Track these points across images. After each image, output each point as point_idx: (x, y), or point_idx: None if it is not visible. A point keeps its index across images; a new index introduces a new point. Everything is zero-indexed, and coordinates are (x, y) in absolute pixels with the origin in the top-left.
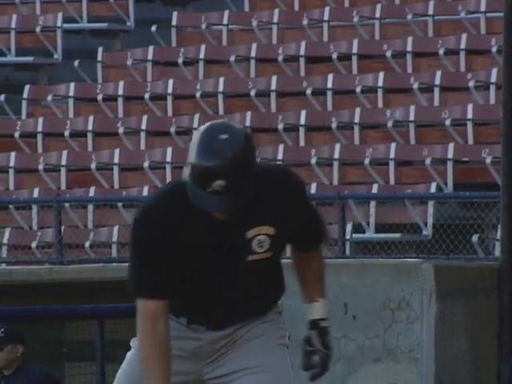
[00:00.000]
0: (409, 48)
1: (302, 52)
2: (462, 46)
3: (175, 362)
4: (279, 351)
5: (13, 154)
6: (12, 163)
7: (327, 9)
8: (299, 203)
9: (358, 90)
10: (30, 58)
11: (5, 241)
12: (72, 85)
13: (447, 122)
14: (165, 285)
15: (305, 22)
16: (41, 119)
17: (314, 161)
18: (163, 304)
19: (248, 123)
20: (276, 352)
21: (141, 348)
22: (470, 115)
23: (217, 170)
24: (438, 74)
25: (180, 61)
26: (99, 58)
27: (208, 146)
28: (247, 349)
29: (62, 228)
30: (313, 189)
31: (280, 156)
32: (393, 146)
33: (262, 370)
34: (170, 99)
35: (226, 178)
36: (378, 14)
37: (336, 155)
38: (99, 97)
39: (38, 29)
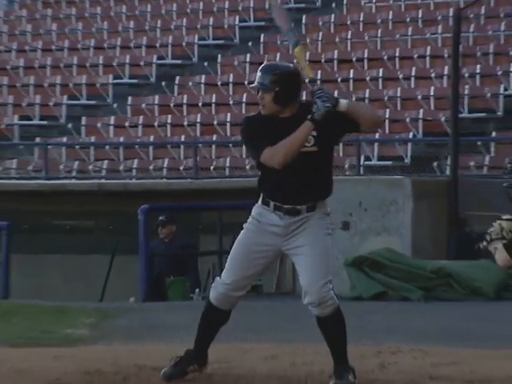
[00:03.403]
0: None
1: None
2: None
3: (265, 237)
4: (325, 237)
5: None
6: None
7: None
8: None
9: None
10: None
11: None
12: None
13: None
14: (262, 147)
15: None
16: None
17: None
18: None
19: None
20: (323, 237)
21: (280, 156)
22: None
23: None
24: None
25: None
26: None
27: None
28: (306, 235)
29: None
30: None
31: None
32: None
33: (315, 245)
34: None
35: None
36: None
37: None
38: None
39: None
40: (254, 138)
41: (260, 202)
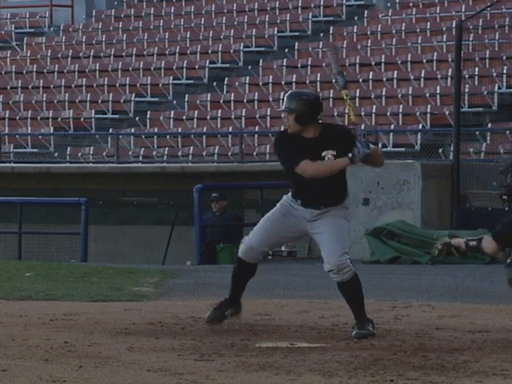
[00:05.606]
0: None
1: None
2: None
3: (293, 224)
4: (342, 221)
5: None
6: None
7: None
8: (349, 140)
9: None
10: None
11: None
12: None
13: None
14: (298, 159)
15: None
16: None
17: None
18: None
19: None
20: (341, 220)
21: (314, 172)
22: None
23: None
24: None
25: None
26: None
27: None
28: (327, 218)
29: None
30: None
31: None
32: None
33: (333, 225)
34: None
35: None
36: None
37: None
38: None
39: None
40: (289, 151)
41: (291, 195)
